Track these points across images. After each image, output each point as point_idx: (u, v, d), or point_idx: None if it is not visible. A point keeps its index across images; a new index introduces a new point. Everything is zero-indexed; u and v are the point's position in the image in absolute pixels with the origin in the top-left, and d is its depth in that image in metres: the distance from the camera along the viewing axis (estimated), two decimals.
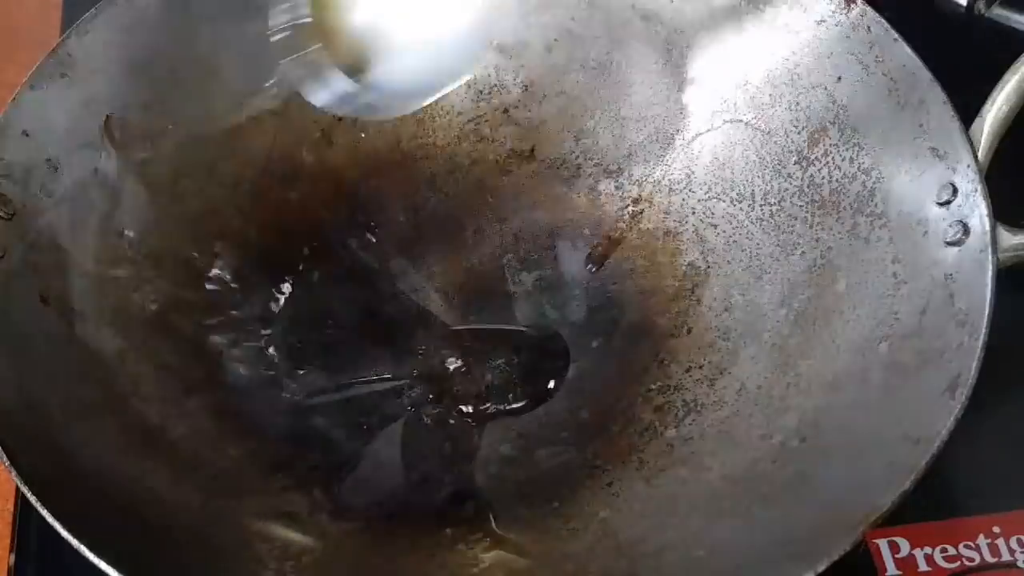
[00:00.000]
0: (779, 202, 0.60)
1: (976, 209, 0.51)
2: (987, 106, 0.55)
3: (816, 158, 0.59)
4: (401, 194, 0.67)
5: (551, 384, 0.60)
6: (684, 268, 0.62)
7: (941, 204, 0.52)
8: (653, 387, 0.59)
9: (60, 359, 0.53)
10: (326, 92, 0.66)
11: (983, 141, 0.54)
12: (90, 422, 0.52)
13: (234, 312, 0.61)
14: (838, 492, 0.48)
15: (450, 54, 0.67)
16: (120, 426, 0.53)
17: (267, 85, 0.65)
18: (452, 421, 0.59)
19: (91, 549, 0.43)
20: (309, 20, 0.65)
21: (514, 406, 0.59)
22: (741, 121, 0.62)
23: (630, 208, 0.65)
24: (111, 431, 0.52)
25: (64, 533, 0.44)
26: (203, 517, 0.51)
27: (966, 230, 0.51)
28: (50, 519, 0.44)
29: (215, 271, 0.62)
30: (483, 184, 0.67)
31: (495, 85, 0.67)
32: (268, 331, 0.61)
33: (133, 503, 0.49)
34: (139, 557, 0.45)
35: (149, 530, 0.48)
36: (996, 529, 0.55)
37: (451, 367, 0.61)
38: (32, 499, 0.44)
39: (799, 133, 0.60)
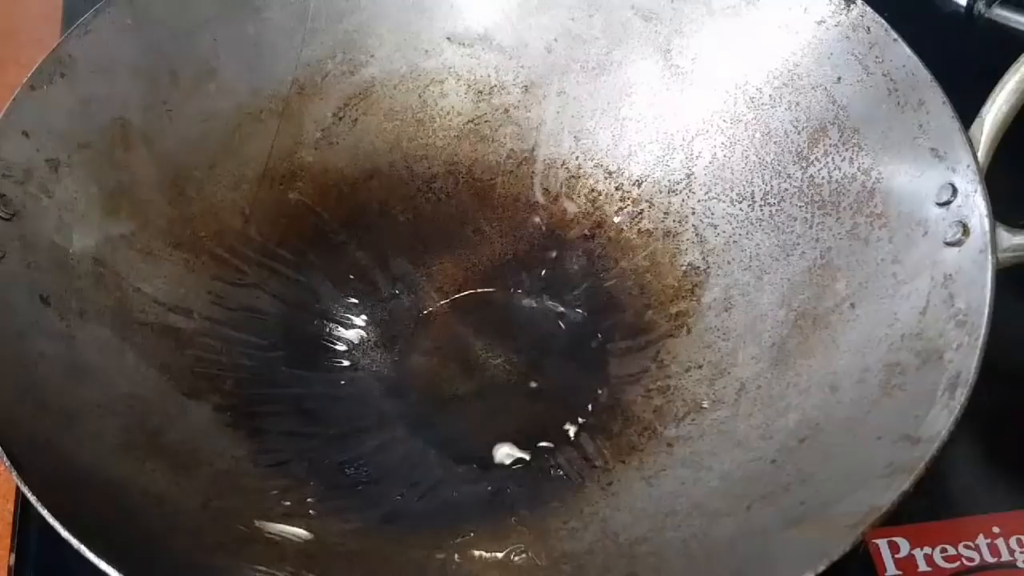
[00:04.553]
0: (779, 202, 0.60)
1: (976, 209, 0.50)
2: (987, 106, 0.54)
3: (816, 158, 0.59)
4: (401, 194, 0.67)
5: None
6: (684, 268, 0.62)
7: (941, 204, 0.52)
8: (653, 387, 0.59)
9: (60, 359, 0.53)
10: None
11: (983, 141, 0.54)
12: (90, 423, 0.51)
13: (234, 312, 0.61)
14: (838, 492, 0.47)
15: None
16: (120, 426, 0.52)
17: (267, 85, 0.65)
18: None
19: (91, 549, 0.43)
20: None
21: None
22: (741, 121, 0.62)
23: (630, 208, 0.65)
24: (111, 432, 0.52)
25: (64, 533, 0.43)
26: (203, 517, 0.51)
27: (966, 230, 0.50)
28: (50, 519, 0.44)
29: (215, 271, 0.62)
30: (483, 184, 0.67)
31: (495, 85, 0.68)
32: (268, 331, 0.61)
33: (133, 503, 0.49)
34: (139, 557, 0.45)
35: (149, 530, 0.48)
36: (996, 529, 0.55)
37: None
38: (32, 499, 0.44)
39: (799, 133, 0.60)
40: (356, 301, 0.63)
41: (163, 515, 0.50)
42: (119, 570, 0.43)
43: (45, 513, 0.44)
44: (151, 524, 0.49)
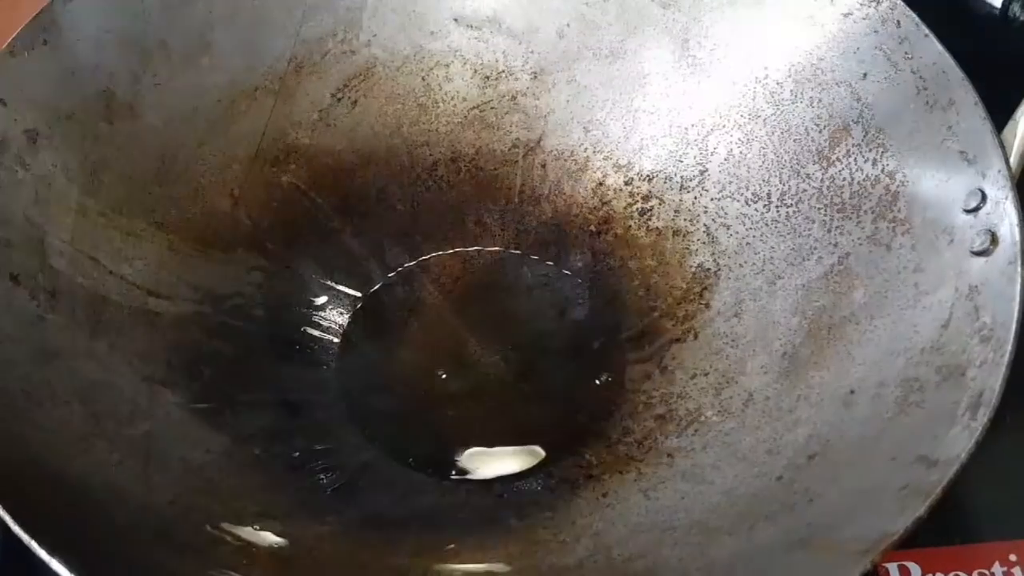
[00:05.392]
0: (796, 204, 0.59)
1: (1006, 218, 0.49)
2: (1020, 110, 0.53)
3: (837, 159, 0.58)
4: (400, 182, 0.66)
5: None
6: (693, 270, 0.61)
7: (968, 211, 0.51)
8: (656, 394, 0.58)
9: (27, 341, 0.51)
10: None
11: (1016, 146, 0.52)
12: (55, 410, 0.50)
13: (217, 298, 0.60)
14: (847, 515, 0.46)
15: None
16: (87, 415, 0.51)
17: (263, 61, 0.64)
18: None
19: (42, 545, 0.41)
20: None
21: None
22: (759, 117, 0.61)
23: (639, 205, 0.64)
24: (77, 420, 0.50)
25: (15, 528, 0.42)
26: (171, 515, 0.49)
27: (994, 239, 0.49)
28: (1, 511, 0.42)
29: (199, 255, 0.60)
30: (486, 174, 0.66)
31: (503, 71, 0.66)
32: (252, 319, 0.60)
33: (95, 497, 0.48)
34: (96, 556, 0.43)
35: (111, 527, 0.47)
36: (1012, 557, 0.54)
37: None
38: None
39: (820, 132, 0.59)
40: (347, 291, 0.63)
41: (127, 511, 0.48)
42: (71, 569, 0.41)
43: None
44: (114, 520, 0.47)
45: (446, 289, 0.63)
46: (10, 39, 0.55)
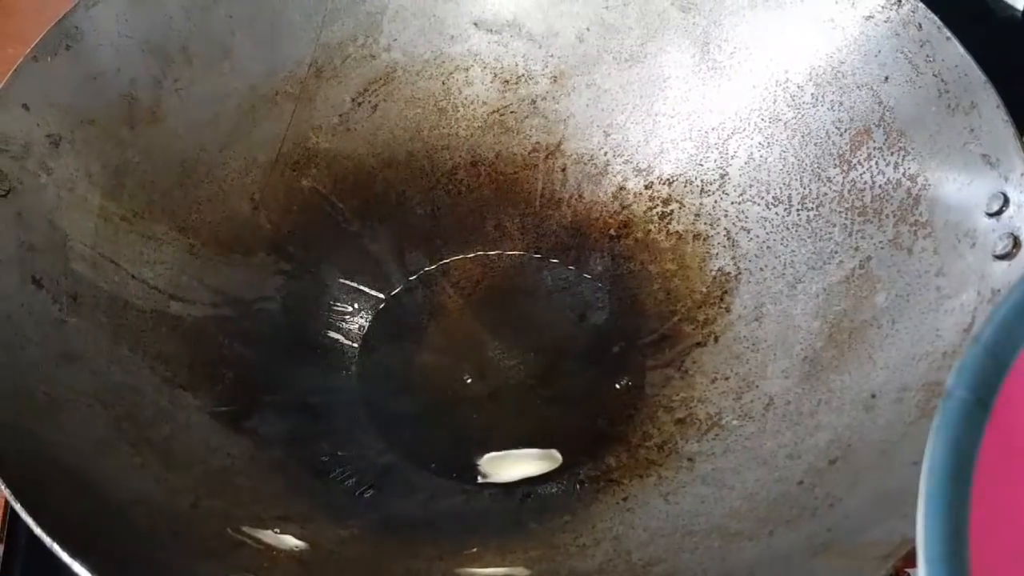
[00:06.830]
0: (817, 207, 0.58)
1: None
2: None
3: (858, 162, 0.57)
4: (420, 186, 0.65)
5: None
6: (714, 274, 0.60)
7: (991, 215, 0.50)
8: (676, 398, 0.57)
9: (50, 345, 0.51)
10: None
11: None
12: (78, 413, 0.50)
13: (238, 302, 0.59)
14: (868, 519, 0.45)
15: None
16: (110, 418, 0.51)
17: (284, 66, 0.63)
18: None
19: (65, 549, 0.41)
20: None
21: None
22: (780, 120, 0.60)
23: (659, 208, 0.63)
24: (99, 423, 0.50)
25: (38, 531, 0.41)
26: (192, 518, 0.49)
27: (1017, 243, 0.48)
28: (24, 515, 0.42)
29: (220, 259, 0.60)
30: (506, 178, 0.66)
31: (522, 75, 0.66)
32: (273, 322, 0.60)
33: (117, 501, 0.47)
34: (118, 559, 0.43)
35: (132, 530, 0.46)
36: None
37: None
38: (7, 492, 0.42)
39: (841, 135, 0.58)
40: (367, 293, 0.62)
41: (149, 514, 0.48)
42: (93, 572, 0.41)
43: (18, 508, 0.42)
44: (135, 524, 0.47)
45: (466, 293, 0.63)
46: (34, 44, 0.55)
